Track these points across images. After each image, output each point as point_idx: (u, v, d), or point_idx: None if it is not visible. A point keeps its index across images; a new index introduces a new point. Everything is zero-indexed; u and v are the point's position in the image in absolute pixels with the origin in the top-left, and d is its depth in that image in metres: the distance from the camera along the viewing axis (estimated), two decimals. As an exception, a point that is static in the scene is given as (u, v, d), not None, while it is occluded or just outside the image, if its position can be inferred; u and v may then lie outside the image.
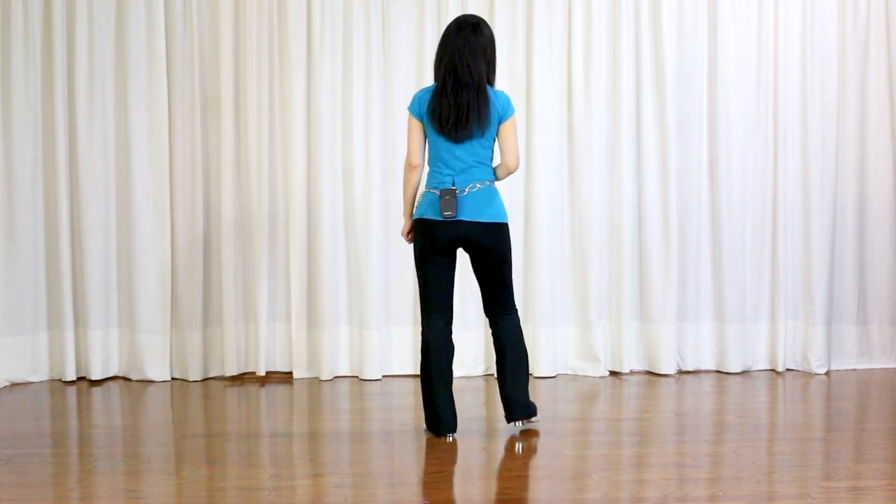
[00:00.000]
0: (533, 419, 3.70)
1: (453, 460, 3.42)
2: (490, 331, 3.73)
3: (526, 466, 3.29)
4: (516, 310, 3.70)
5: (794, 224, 4.83)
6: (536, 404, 3.78)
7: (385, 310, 4.76)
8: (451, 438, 3.60)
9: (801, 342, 4.85)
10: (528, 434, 3.67)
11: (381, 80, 4.72)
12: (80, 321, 4.73)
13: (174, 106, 4.68)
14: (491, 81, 3.57)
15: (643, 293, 4.82)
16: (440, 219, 3.49)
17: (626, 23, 4.73)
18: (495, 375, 3.76)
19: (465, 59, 3.47)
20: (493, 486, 3.09)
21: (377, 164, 4.70)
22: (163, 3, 4.64)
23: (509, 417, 3.66)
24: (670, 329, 4.78)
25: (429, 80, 4.71)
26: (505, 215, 3.59)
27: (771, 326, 4.86)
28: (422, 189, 3.63)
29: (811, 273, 4.79)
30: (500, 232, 3.57)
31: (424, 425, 3.70)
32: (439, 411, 3.59)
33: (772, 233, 4.83)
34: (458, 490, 3.06)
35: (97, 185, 4.70)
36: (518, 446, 3.53)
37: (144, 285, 4.70)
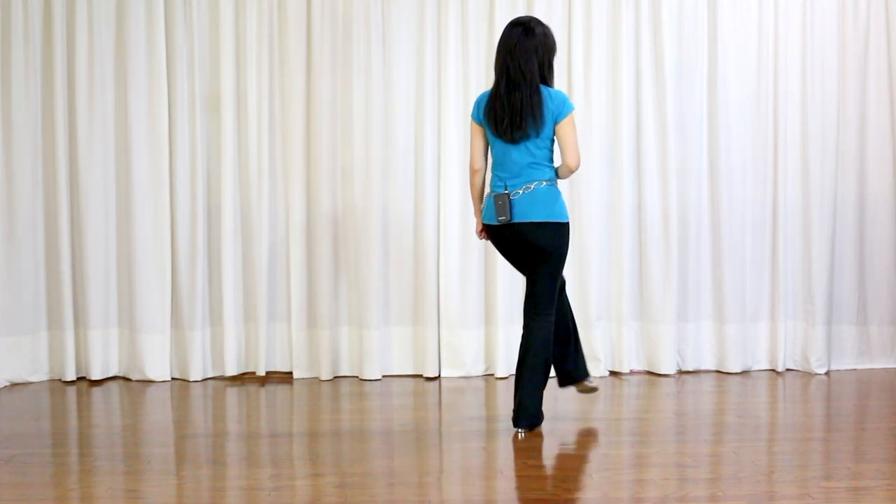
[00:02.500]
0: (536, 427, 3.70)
1: (453, 460, 3.42)
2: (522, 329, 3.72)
3: (526, 466, 3.29)
4: (552, 317, 3.66)
5: (794, 224, 4.83)
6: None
7: (385, 310, 4.76)
8: (522, 435, 3.59)
9: (801, 342, 4.85)
10: (529, 433, 3.67)
11: (381, 80, 4.72)
12: (80, 321, 4.73)
13: (174, 106, 4.68)
14: (546, 81, 3.56)
15: (643, 293, 4.82)
16: (496, 223, 3.58)
17: (626, 23, 4.73)
18: (497, 375, 3.76)
19: (517, 59, 3.48)
20: (493, 486, 3.09)
21: (377, 164, 4.70)
22: (163, 3, 4.64)
23: (516, 423, 3.64)
24: (670, 329, 4.78)
25: (429, 79, 4.73)
26: (560, 215, 3.57)
27: (771, 326, 4.86)
28: (486, 192, 3.70)
29: (811, 273, 4.79)
30: (553, 230, 3.55)
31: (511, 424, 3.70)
32: (519, 404, 3.62)
33: (772, 233, 4.83)
34: (458, 490, 3.06)
35: (97, 185, 4.70)
36: (520, 435, 3.57)
37: (144, 285, 4.70)
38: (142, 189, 4.70)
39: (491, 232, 3.66)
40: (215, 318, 4.79)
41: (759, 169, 4.82)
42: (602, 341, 4.79)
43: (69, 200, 4.68)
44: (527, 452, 3.45)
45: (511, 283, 4.77)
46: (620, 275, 4.78)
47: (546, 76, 3.56)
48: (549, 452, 3.44)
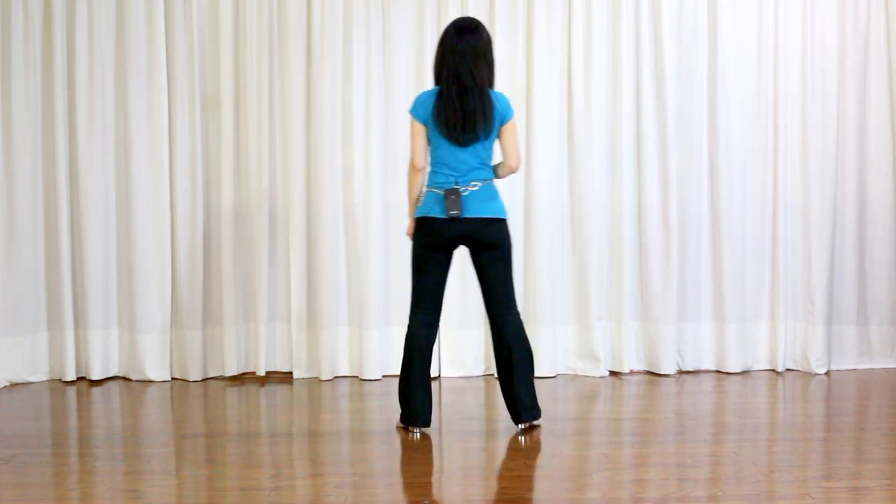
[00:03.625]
0: (537, 421, 3.70)
1: (453, 460, 3.42)
2: (490, 331, 3.73)
3: (526, 466, 3.29)
4: (518, 310, 3.72)
5: (794, 224, 4.83)
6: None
7: (385, 310, 4.76)
8: (418, 434, 3.62)
9: (801, 342, 4.85)
10: (529, 433, 3.67)
11: (381, 80, 4.72)
12: (80, 321, 4.73)
13: (174, 106, 4.68)
14: (491, 84, 3.61)
15: (643, 293, 4.82)
16: (444, 217, 3.53)
17: (626, 23, 4.73)
18: (496, 376, 3.76)
19: (468, 63, 3.50)
20: (493, 486, 3.09)
21: (377, 164, 4.70)
22: (163, 3, 4.64)
23: (517, 419, 3.66)
24: (670, 329, 4.78)
25: (429, 79, 4.71)
26: (505, 212, 3.65)
27: (771, 326, 4.86)
28: (424, 189, 3.65)
29: (811, 273, 4.79)
30: (501, 227, 3.63)
31: (399, 421, 3.72)
32: (415, 404, 3.63)
33: (772, 233, 4.83)
34: (458, 490, 3.06)
35: (97, 185, 4.70)
36: (521, 439, 3.55)
37: (144, 285, 4.70)
38: (142, 189, 4.70)
39: (428, 229, 3.58)
40: (215, 318, 4.79)
41: (759, 169, 4.82)
42: (602, 341, 4.79)
43: (69, 200, 4.68)
44: (527, 452, 3.45)
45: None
46: (620, 275, 4.78)
47: (491, 78, 3.60)
48: (549, 452, 3.44)
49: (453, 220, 3.53)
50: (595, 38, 4.73)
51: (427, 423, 3.65)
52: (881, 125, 4.84)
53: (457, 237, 3.58)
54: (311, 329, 4.77)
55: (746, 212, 4.82)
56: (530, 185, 4.75)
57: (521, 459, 3.38)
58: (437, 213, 3.55)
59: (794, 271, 4.84)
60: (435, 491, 3.02)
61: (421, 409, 3.64)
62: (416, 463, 3.33)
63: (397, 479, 3.13)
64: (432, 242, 3.59)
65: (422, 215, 3.60)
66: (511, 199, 4.72)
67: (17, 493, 2.98)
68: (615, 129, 4.78)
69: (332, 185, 4.71)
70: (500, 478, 3.16)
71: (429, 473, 3.21)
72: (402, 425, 3.72)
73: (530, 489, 3.04)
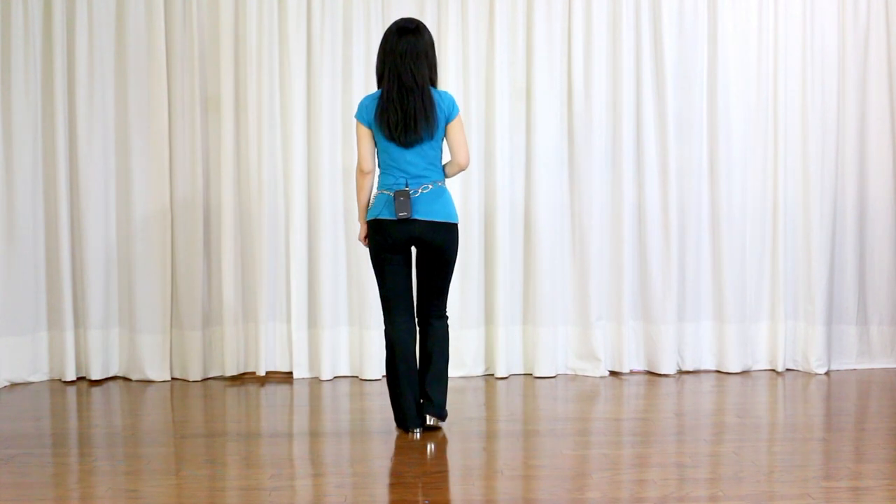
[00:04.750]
0: (441, 423, 3.72)
1: (453, 460, 3.42)
2: (418, 329, 3.76)
3: (526, 466, 3.29)
4: (447, 314, 3.77)
5: (794, 224, 4.83)
6: (520, 405, 3.94)
7: (385, 310, 4.76)
8: (417, 434, 3.63)
9: (801, 342, 4.85)
10: (529, 433, 3.67)
11: (381, 80, 4.72)
12: (80, 321, 4.73)
13: (174, 106, 4.68)
14: (434, 83, 3.61)
15: (643, 293, 4.82)
16: (394, 219, 3.54)
17: (626, 23, 4.73)
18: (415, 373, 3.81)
19: (408, 64, 3.51)
20: (493, 486, 3.09)
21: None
22: (163, 3, 4.64)
23: (423, 411, 3.67)
24: (670, 329, 4.78)
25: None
26: (455, 216, 3.64)
27: (771, 326, 4.86)
28: (374, 192, 3.68)
29: (811, 273, 4.79)
30: (451, 232, 3.63)
31: (395, 423, 3.74)
32: (406, 407, 3.65)
33: (772, 233, 4.83)
34: (458, 490, 3.06)
35: (97, 185, 4.70)
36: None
37: (144, 285, 4.70)
38: (142, 189, 4.70)
39: (380, 231, 3.59)
40: (215, 318, 4.79)
41: (759, 169, 4.82)
42: (602, 341, 4.79)
43: (69, 200, 4.68)
44: (527, 452, 3.45)
45: (511, 283, 4.77)
46: (620, 275, 4.78)
47: (434, 78, 3.61)
48: (549, 452, 3.44)
49: (403, 221, 3.54)
50: (595, 39, 4.73)
51: (419, 424, 3.66)
52: (881, 125, 4.84)
53: (407, 239, 3.59)
54: (311, 329, 4.77)
55: (746, 212, 4.82)
56: (530, 186, 4.75)
57: (521, 459, 3.38)
58: (386, 214, 3.56)
59: (794, 271, 4.84)
60: (435, 491, 3.02)
61: (412, 411, 3.65)
62: (416, 463, 3.33)
63: (397, 479, 3.13)
64: (385, 244, 3.60)
65: (373, 217, 3.61)
66: (511, 199, 4.74)
67: (17, 493, 2.98)
68: (615, 129, 4.78)
69: (332, 185, 4.71)
70: (500, 478, 3.16)
71: (429, 473, 3.21)
72: (399, 430, 3.72)
73: (530, 489, 3.04)
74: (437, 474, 3.21)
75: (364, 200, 3.68)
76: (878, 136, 4.84)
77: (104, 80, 4.69)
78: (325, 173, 4.70)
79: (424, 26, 3.61)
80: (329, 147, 4.70)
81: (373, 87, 4.69)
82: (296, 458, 3.45)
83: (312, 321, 4.77)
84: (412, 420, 3.65)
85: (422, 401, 3.69)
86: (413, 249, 3.70)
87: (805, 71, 4.77)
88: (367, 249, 4.63)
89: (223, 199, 4.71)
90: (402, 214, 3.51)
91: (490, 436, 3.68)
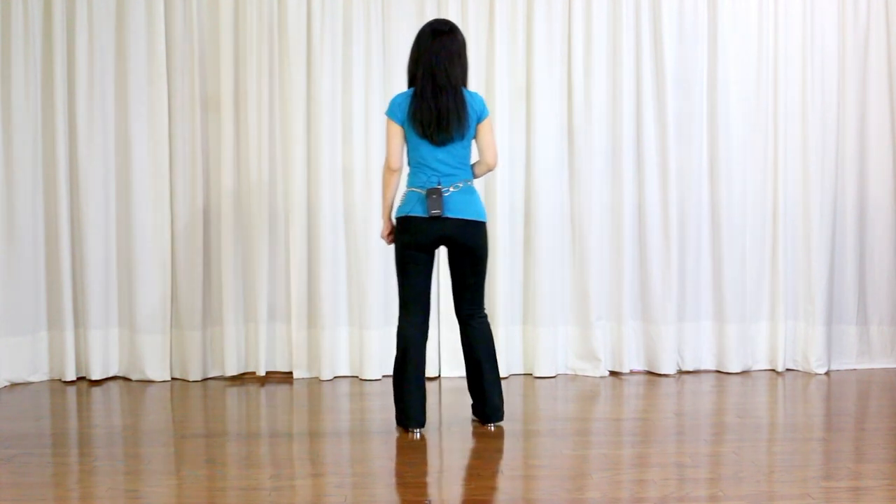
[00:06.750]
0: (502, 422, 3.78)
1: (454, 460, 3.42)
2: (459, 332, 3.78)
3: (526, 466, 3.29)
4: (486, 312, 3.79)
5: (794, 224, 4.83)
6: (520, 405, 3.94)
7: (385, 310, 4.76)
8: (418, 435, 3.64)
9: (801, 342, 4.85)
10: (529, 433, 3.67)
11: (381, 80, 4.72)
12: (80, 321, 4.74)
13: (174, 106, 4.69)
14: (465, 84, 3.65)
15: (643, 293, 4.82)
16: (426, 216, 3.56)
17: (626, 23, 4.74)
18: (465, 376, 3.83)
19: (443, 63, 3.55)
20: (493, 486, 3.09)
21: (377, 164, 4.70)
22: (163, 3, 4.64)
23: (485, 419, 3.76)
24: (670, 329, 4.78)
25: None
26: (484, 215, 3.68)
27: (771, 326, 4.86)
28: (402, 190, 3.69)
29: (811, 273, 4.79)
30: (481, 230, 3.66)
31: (396, 422, 3.75)
32: (410, 407, 3.66)
33: (772, 233, 4.83)
34: (459, 490, 3.06)
35: (97, 185, 4.70)
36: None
37: (144, 285, 4.70)
38: (142, 189, 4.70)
39: (410, 229, 3.61)
40: (215, 318, 4.79)
41: (759, 169, 4.82)
42: (602, 341, 4.79)
43: (69, 200, 4.68)
44: (527, 452, 3.45)
45: (511, 283, 4.77)
46: (620, 275, 4.78)
47: (465, 79, 3.65)
48: (549, 452, 3.44)
49: (434, 219, 3.56)
50: (595, 38, 4.73)
51: (422, 424, 3.68)
52: (881, 125, 4.84)
53: (438, 237, 3.61)
54: (311, 329, 4.77)
55: (746, 212, 4.82)
56: (530, 186, 4.75)
57: (521, 459, 3.38)
58: (418, 212, 3.59)
59: (794, 271, 4.84)
60: (435, 491, 3.02)
61: (416, 411, 3.67)
62: (416, 463, 3.33)
63: (397, 479, 3.13)
64: (414, 242, 3.61)
65: (403, 215, 3.63)
66: (511, 199, 4.74)
67: (17, 493, 2.98)
68: (615, 129, 4.78)
69: (332, 185, 4.71)
70: (500, 478, 3.16)
71: (429, 473, 3.21)
72: (399, 428, 3.73)
73: (530, 489, 3.04)
74: (437, 474, 3.21)
75: (390, 197, 3.70)
76: (878, 136, 4.84)
77: (104, 80, 4.69)
78: (324, 173, 4.70)
79: (458, 28, 3.65)
80: (329, 147, 4.70)
81: (372, 87, 4.72)
82: (296, 458, 3.45)
83: (312, 321, 4.77)
84: (414, 420, 3.66)
85: (476, 404, 3.77)
86: (442, 251, 3.71)
87: (805, 71, 4.77)
88: (367, 249, 4.70)
89: (223, 199, 4.72)
90: (435, 212, 3.54)
91: (490, 436, 3.68)
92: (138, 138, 4.68)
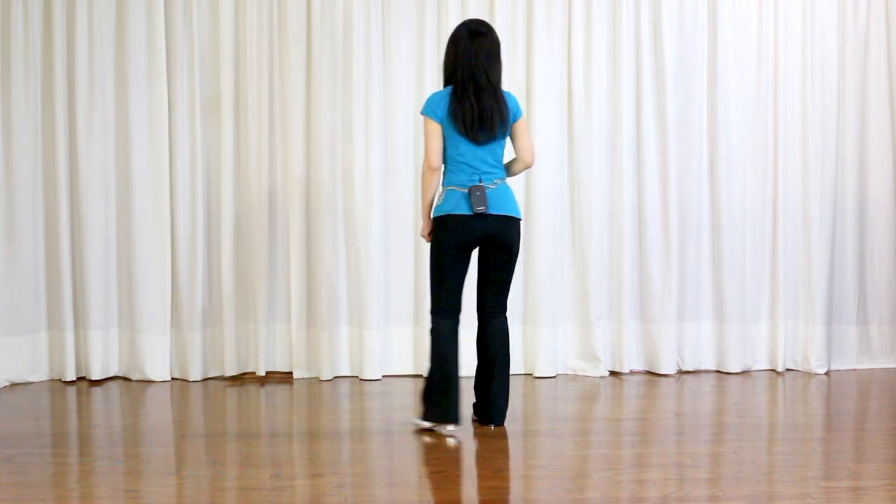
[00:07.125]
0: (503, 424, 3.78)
1: (453, 460, 3.42)
2: (477, 329, 3.80)
3: (526, 466, 3.29)
4: (506, 307, 3.82)
5: (794, 224, 4.83)
6: (520, 405, 3.96)
7: (385, 310, 4.76)
8: (447, 430, 3.65)
9: (801, 342, 4.85)
10: (529, 433, 3.67)
11: (381, 80, 4.72)
12: (80, 321, 4.73)
13: (174, 106, 4.69)
14: (501, 84, 3.67)
15: (643, 293, 4.82)
16: (469, 214, 3.57)
17: (626, 22, 4.74)
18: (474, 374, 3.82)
19: (483, 64, 3.58)
20: (493, 486, 3.08)
21: (377, 164, 4.70)
22: (163, 3, 4.64)
23: (486, 420, 3.76)
24: (670, 329, 4.78)
25: (429, 79, 4.72)
26: (520, 211, 3.72)
27: (771, 326, 4.86)
28: (440, 189, 3.69)
29: (811, 273, 4.79)
30: (518, 227, 3.70)
31: (421, 420, 3.72)
32: (452, 403, 3.65)
33: (772, 233, 4.83)
34: (459, 490, 3.06)
35: (97, 185, 4.70)
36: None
37: (144, 285, 4.70)
38: (142, 189, 4.70)
39: (452, 227, 3.60)
40: (215, 318, 4.79)
41: (759, 169, 4.82)
42: (602, 341, 4.79)
43: (69, 200, 4.68)
44: (527, 452, 3.45)
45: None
46: (620, 275, 4.78)
47: (500, 80, 3.68)
48: (549, 452, 3.44)
49: (478, 216, 3.57)
50: (595, 38, 4.73)
51: (460, 421, 3.69)
52: (881, 125, 4.84)
53: (480, 235, 3.62)
54: (311, 329, 4.77)
55: (746, 212, 4.82)
56: (530, 186, 4.76)
57: (521, 459, 3.38)
58: (462, 209, 3.59)
59: (794, 271, 4.84)
60: (435, 491, 3.02)
61: (457, 406, 3.66)
62: (416, 463, 3.33)
63: (397, 479, 3.13)
64: (456, 240, 3.62)
65: (445, 213, 3.62)
66: (511, 199, 4.73)
67: (17, 493, 2.98)
68: (615, 128, 4.78)
69: (332, 185, 4.71)
70: (500, 478, 3.15)
71: (429, 473, 3.21)
72: (428, 425, 3.70)
73: (530, 489, 3.04)
74: (437, 474, 3.21)
75: (430, 196, 3.69)
76: (878, 136, 4.85)
77: (104, 80, 4.69)
78: (324, 173, 4.70)
79: (493, 28, 3.68)
80: (329, 147, 4.70)
81: (372, 87, 4.72)
82: (296, 458, 3.45)
83: (312, 321, 4.77)
84: (454, 413, 3.65)
85: (480, 403, 3.79)
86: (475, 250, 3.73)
87: (805, 71, 4.77)
88: (367, 249, 4.70)
89: (223, 199, 4.72)
90: (480, 209, 3.55)
91: (490, 435, 3.68)
92: (138, 138, 4.68)
